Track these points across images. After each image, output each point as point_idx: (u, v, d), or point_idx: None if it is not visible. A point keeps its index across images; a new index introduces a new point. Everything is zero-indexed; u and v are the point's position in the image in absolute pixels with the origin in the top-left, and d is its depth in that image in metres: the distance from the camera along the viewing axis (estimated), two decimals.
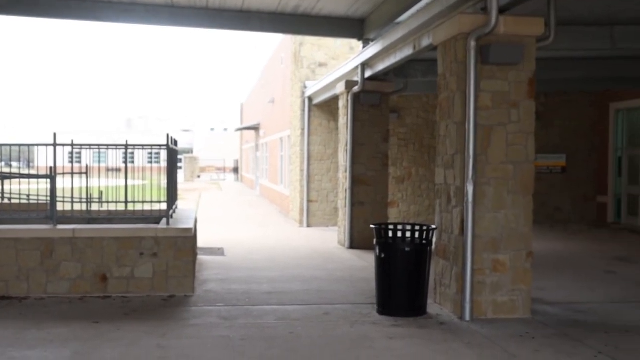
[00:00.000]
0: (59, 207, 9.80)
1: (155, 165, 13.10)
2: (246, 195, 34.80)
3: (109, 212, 10.86)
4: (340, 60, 18.63)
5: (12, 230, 8.85)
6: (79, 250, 8.83)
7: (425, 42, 9.37)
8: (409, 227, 8.11)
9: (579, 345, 6.80)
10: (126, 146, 9.89)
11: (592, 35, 9.91)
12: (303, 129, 19.34)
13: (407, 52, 10.41)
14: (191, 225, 9.46)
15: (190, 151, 73.64)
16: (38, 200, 11.86)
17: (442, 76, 8.52)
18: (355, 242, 14.22)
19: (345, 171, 14.45)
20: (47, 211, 9.61)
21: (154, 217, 10.32)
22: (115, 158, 10.33)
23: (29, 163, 34.83)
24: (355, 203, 14.28)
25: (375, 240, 8.16)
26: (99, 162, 11.18)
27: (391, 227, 8.12)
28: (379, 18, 12.24)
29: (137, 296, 8.85)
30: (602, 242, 15.26)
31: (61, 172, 9.98)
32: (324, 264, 12.07)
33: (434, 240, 8.29)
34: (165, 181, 9.97)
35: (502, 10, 7.71)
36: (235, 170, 59.05)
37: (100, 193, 11.15)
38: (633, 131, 18.74)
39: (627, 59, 13.07)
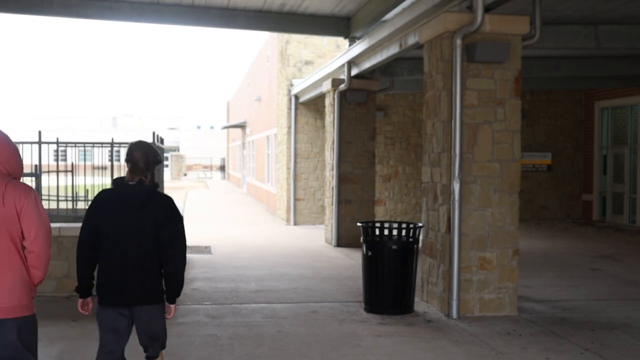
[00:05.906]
0: (45, 205, 9.73)
1: None
2: (233, 194, 34.74)
3: None
4: (327, 58, 18.62)
5: None
6: (65, 249, 8.78)
7: (411, 40, 9.39)
8: (395, 225, 8.13)
9: (566, 342, 6.84)
10: (112, 144, 9.87)
11: (577, 34, 9.96)
12: (289, 127, 19.32)
13: (393, 50, 10.42)
14: None
15: (176, 149, 73.32)
16: None
17: (428, 74, 8.54)
18: (342, 240, 14.23)
19: (332, 169, 14.45)
20: None
21: None
22: (101, 156, 10.29)
23: None
24: (342, 201, 14.29)
25: (362, 238, 8.17)
26: (85, 160, 11.13)
27: (378, 225, 8.12)
28: (364, 16, 12.26)
29: None
30: (587, 240, 15.36)
31: (46, 170, 9.93)
32: (311, 262, 12.08)
33: (421, 238, 8.31)
34: None
35: (487, 9, 7.74)
36: (222, 168, 58.97)
37: (86, 191, 11.08)
38: (618, 129, 18.87)
39: (611, 58, 13.15)
